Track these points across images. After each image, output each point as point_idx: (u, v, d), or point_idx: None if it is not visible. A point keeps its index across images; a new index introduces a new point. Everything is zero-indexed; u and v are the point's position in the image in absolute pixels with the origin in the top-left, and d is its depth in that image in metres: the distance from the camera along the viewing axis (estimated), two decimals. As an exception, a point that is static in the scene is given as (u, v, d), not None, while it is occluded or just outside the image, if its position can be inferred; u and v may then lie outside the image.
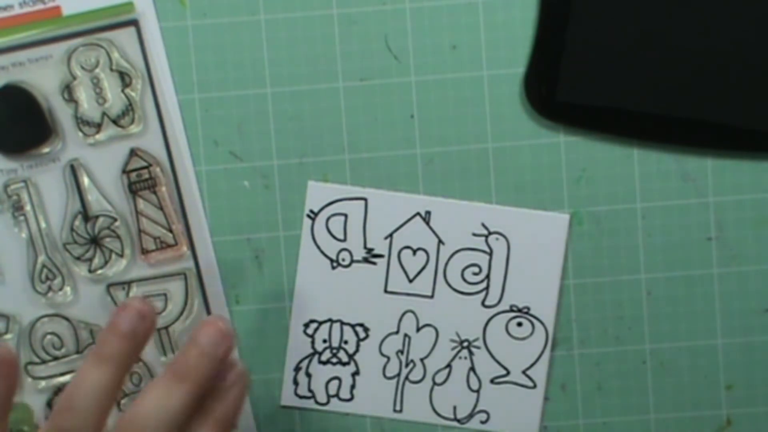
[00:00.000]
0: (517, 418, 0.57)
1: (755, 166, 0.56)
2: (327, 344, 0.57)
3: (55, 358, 0.57)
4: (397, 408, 0.57)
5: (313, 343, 0.57)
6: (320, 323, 0.57)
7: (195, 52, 0.56)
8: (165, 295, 0.57)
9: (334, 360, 0.57)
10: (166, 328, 0.57)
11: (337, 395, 0.57)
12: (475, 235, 0.56)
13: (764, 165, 0.56)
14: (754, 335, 0.57)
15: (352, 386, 0.57)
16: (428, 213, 0.56)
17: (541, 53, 0.55)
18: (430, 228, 0.56)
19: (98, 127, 0.57)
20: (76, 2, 0.56)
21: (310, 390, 0.57)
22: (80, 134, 0.57)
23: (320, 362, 0.57)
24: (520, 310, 0.56)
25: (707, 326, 0.57)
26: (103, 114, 0.57)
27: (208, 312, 0.57)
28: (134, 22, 0.56)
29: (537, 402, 0.57)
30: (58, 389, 0.58)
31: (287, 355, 0.57)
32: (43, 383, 0.57)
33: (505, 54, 0.56)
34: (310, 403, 0.57)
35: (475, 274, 0.56)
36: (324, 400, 0.57)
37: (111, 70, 0.56)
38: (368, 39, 0.56)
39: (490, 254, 0.56)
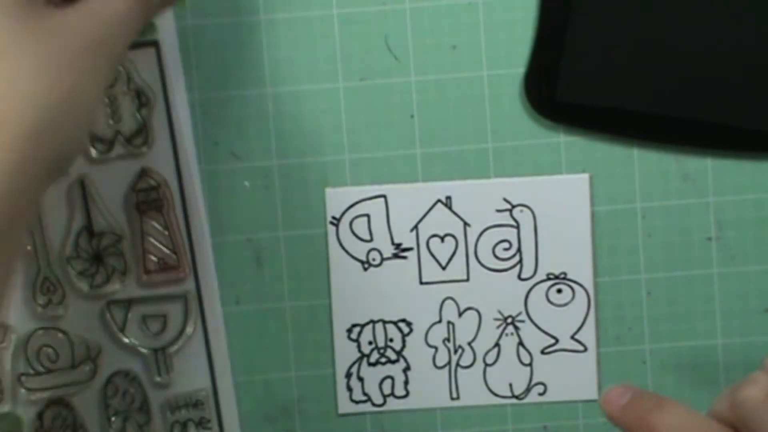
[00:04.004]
0: (574, 384, 0.57)
1: (755, 166, 0.56)
2: (373, 345, 0.57)
3: (49, 371, 0.57)
4: (454, 396, 0.57)
5: (359, 346, 0.57)
6: (363, 326, 0.57)
7: (195, 52, 0.56)
8: (164, 316, 0.57)
9: (383, 360, 0.57)
10: (163, 349, 0.57)
11: (392, 394, 0.57)
12: (498, 211, 0.56)
13: (764, 165, 0.56)
14: (754, 335, 0.57)
15: (406, 382, 0.57)
16: (449, 198, 0.56)
17: (541, 53, 0.55)
18: (453, 212, 0.56)
19: (110, 144, 0.56)
20: None
21: (365, 394, 0.57)
22: (92, 150, 0.56)
23: (369, 364, 0.57)
24: (557, 277, 0.56)
25: (707, 326, 0.57)
26: (117, 132, 0.56)
27: (206, 335, 0.57)
28: (154, 44, 0.56)
29: (591, 365, 0.57)
30: (50, 402, 0.57)
31: (335, 362, 0.57)
32: (35, 395, 0.57)
33: (505, 54, 0.56)
34: (367, 407, 0.57)
35: (506, 249, 0.56)
36: (380, 401, 0.57)
37: (128, 89, 0.56)
38: (368, 39, 0.56)
39: (518, 227, 0.56)
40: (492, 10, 0.56)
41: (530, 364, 0.57)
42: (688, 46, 0.54)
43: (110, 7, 0.42)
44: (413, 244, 0.57)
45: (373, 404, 0.58)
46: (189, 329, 0.57)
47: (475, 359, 0.57)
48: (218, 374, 0.57)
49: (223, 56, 0.56)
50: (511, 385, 0.57)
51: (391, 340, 0.57)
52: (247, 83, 0.57)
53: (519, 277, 0.57)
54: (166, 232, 0.57)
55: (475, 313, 0.57)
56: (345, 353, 0.57)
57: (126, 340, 0.57)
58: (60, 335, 0.57)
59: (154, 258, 0.57)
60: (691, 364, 0.57)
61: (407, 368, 0.57)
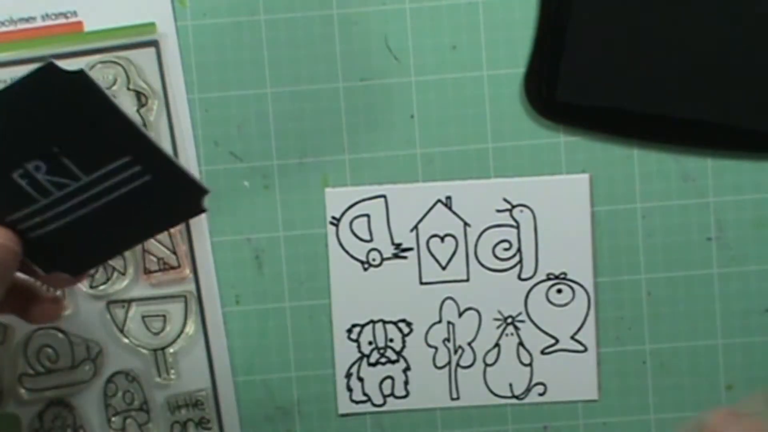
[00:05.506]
0: (574, 384, 0.57)
1: (755, 166, 0.56)
2: (373, 345, 0.57)
3: (49, 371, 0.57)
4: (454, 396, 0.57)
5: (359, 346, 0.57)
6: (363, 326, 0.57)
7: (195, 52, 0.56)
8: (164, 316, 0.57)
9: (383, 360, 0.57)
10: (163, 349, 0.57)
11: (392, 394, 0.57)
12: (498, 211, 0.56)
13: (764, 165, 0.56)
14: (754, 335, 0.57)
15: (406, 383, 0.57)
16: (449, 198, 0.56)
17: (541, 53, 0.55)
18: (454, 212, 0.56)
19: None
20: (99, 19, 0.56)
21: (365, 394, 0.57)
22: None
23: (369, 364, 0.57)
24: (557, 277, 0.56)
25: (707, 326, 0.57)
26: None
27: (206, 335, 0.57)
28: (154, 43, 0.56)
29: (591, 365, 0.57)
30: (50, 402, 0.57)
31: (335, 362, 0.57)
32: (35, 395, 0.57)
33: (505, 54, 0.56)
34: (367, 407, 0.57)
35: (506, 249, 0.56)
36: (380, 401, 0.57)
37: (128, 89, 0.56)
38: (368, 39, 0.56)
39: (518, 227, 0.56)
40: (492, 10, 0.56)
41: (530, 365, 0.57)
42: (688, 46, 0.54)
43: None
44: (413, 244, 0.57)
45: (373, 404, 0.58)
46: (189, 329, 0.57)
47: (475, 359, 0.57)
48: (218, 374, 0.57)
49: (223, 56, 0.56)
50: (511, 385, 0.57)
51: (391, 341, 0.57)
52: (247, 83, 0.57)
53: (519, 277, 0.57)
54: (166, 233, 0.57)
55: (475, 313, 0.57)
56: (345, 353, 0.57)
57: (126, 340, 0.57)
58: (60, 335, 0.57)
59: (154, 258, 0.57)
60: (691, 364, 0.57)
61: (407, 368, 0.57)
